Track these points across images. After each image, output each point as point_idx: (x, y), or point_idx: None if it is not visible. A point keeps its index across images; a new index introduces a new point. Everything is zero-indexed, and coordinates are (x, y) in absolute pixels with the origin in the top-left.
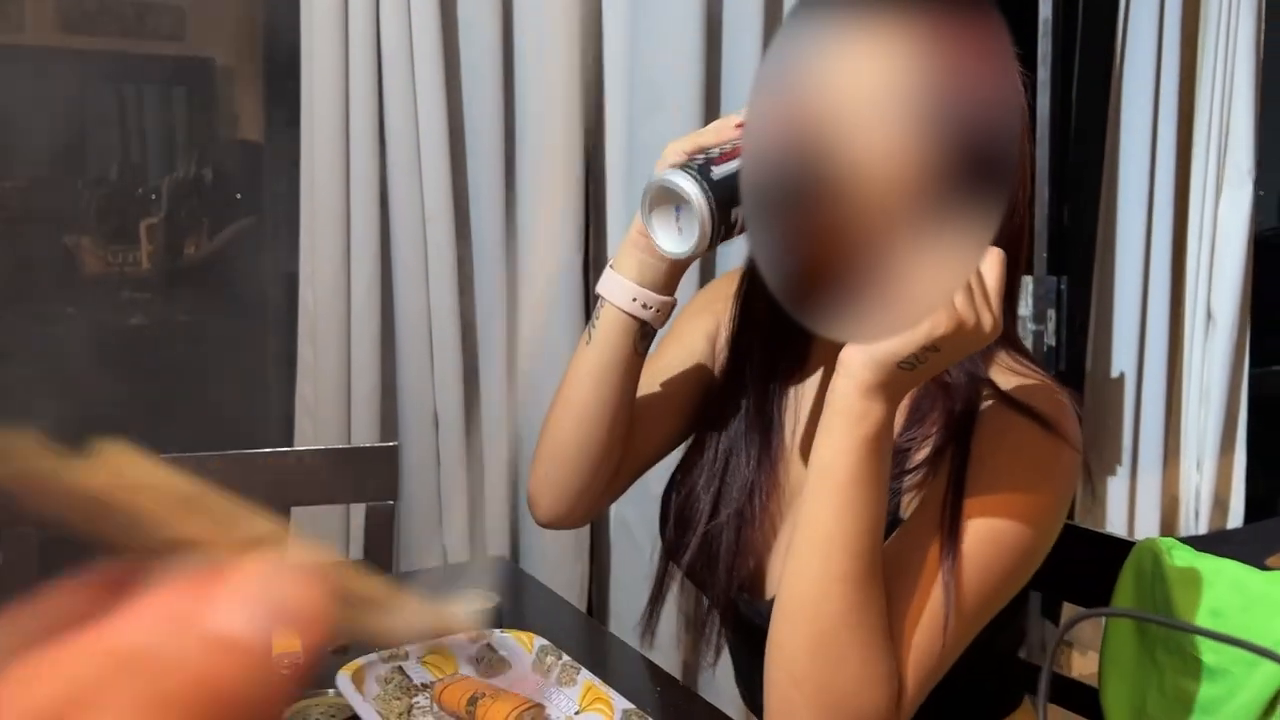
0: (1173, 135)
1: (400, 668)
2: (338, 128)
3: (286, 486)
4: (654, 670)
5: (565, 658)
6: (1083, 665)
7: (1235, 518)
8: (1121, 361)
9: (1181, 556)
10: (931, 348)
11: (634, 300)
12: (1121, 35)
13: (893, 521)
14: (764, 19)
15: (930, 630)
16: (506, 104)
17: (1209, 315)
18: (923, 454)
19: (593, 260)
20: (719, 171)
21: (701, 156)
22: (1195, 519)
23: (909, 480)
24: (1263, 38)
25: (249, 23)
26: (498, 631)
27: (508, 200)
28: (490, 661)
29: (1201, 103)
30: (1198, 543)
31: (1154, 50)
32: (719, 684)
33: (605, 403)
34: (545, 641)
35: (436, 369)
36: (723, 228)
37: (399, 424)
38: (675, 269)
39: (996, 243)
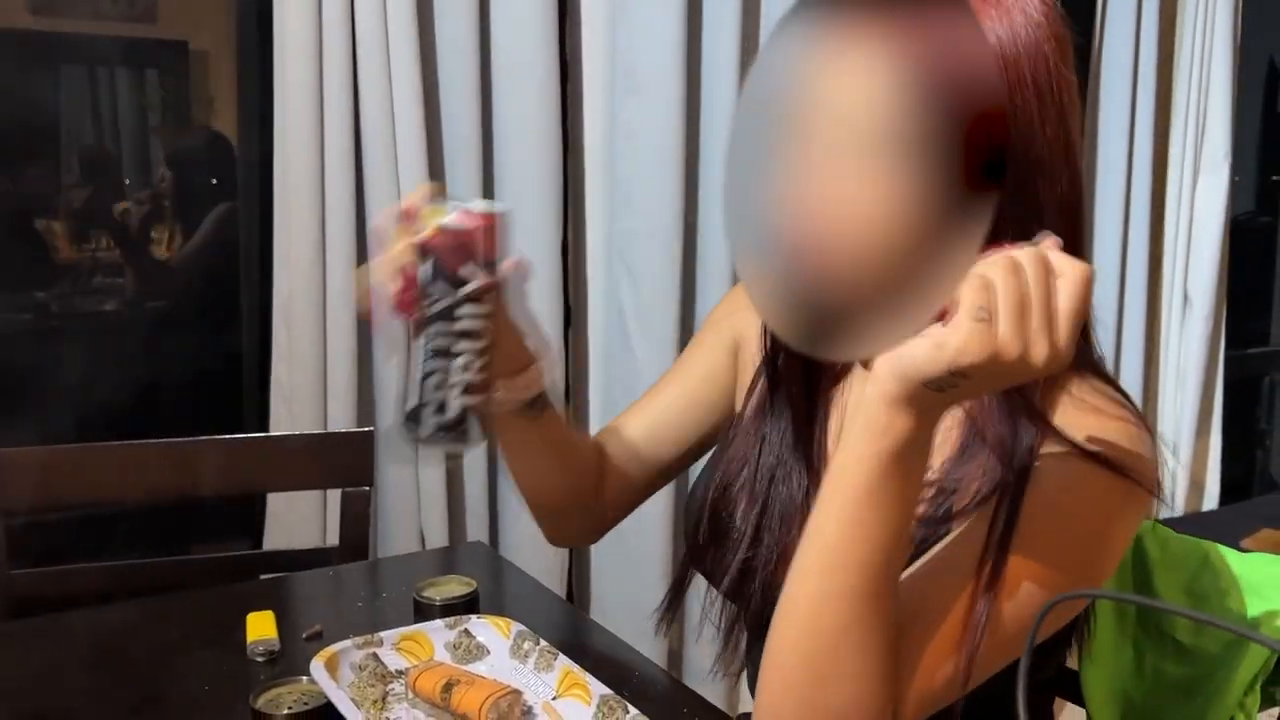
0: (1150, 120)
1: (375, 654)
2: (312, 110)
3: (262, 472)
4: (634, 656)
5: (543, 643)
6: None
7: (1211, 500)
8: (1099, 345)
9: (1160, 538)
10: (960, 374)
11: (509, 393)
12: (1100, 21)
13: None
14: (743, 1)
15: (941, 667)
16: (483, 85)
17: (1186, 299)
18: (967, 500)
19: (571, 243)
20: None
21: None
22: (1172, 501)
23: (953, 524)
24: (1240, 23)
25: (222, 5)
26: (474, 617)
27: (484, 183)
28: (467, 648)
29: (1179, 88)
30: (1174, 524)
31: (1132, 36)
32: (701, 670)
33: (540, 468)
34: (522, 627)
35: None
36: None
37: (376, 409)
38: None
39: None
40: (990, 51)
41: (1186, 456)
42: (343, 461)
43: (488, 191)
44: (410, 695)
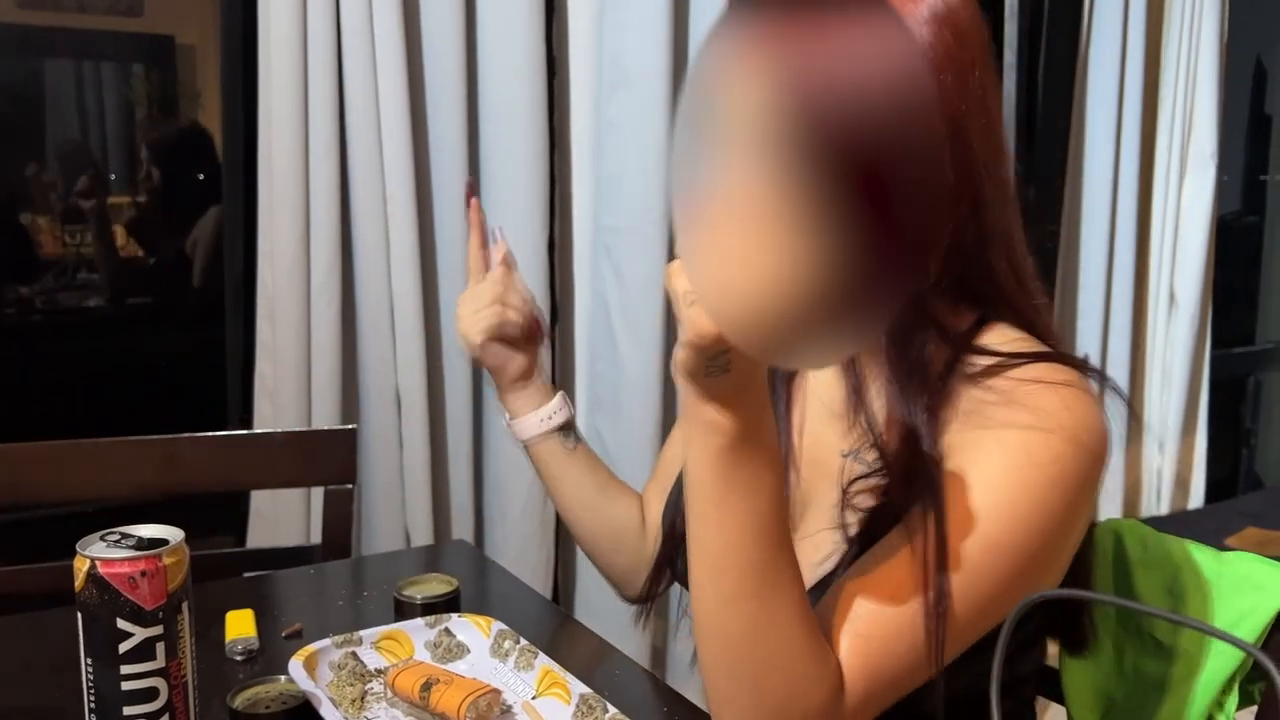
0: (1137, 119)
1: (354, 653)
2: (297, 105)
3: (245, 469)
4: (616, 655)
5: (523, 642)
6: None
7: (1196, 498)
8: (1086, 343)
9: (1141, 537)
10: (712, 353)
11: (542, 422)
12: (1087, 19)
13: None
14: None
15: (903, 645)
16: (469, 80)
17: (1172, 298)
18: (862, 469)
19: (558, 238)
20: None
21: None
22: (1157, 500)
23: (856, 489)
24: (1227, 23)
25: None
26: (454, 616)
27: (471, 176)
28: (447, 647)
29: (1166, 87)
30: (1159, 523)
31: (1119, 34)
32: (683, 669)
33: (587, 502)
34: (503, 626)
35: (399, 350)
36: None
37: (360, 406)
38: (536, 379)
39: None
40: (894, 63)
41: (1172, 455)
42: (326, 459)
43: (475, 188)
44: (389, 694)
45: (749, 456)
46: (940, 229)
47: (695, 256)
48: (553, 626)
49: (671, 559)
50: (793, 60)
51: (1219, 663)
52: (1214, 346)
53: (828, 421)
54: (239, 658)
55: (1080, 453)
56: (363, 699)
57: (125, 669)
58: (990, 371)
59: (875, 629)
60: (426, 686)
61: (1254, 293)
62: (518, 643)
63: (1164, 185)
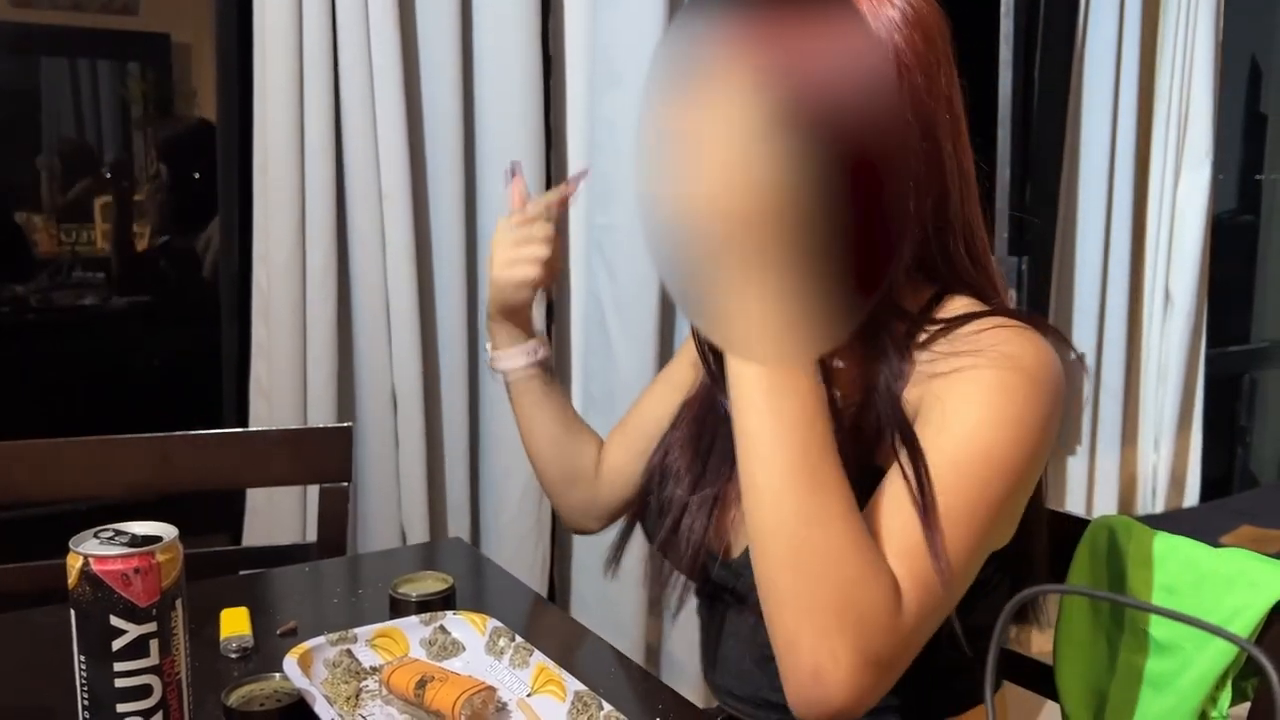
0: (1133, 117)
1: (349, 651)
2: (292, 103)
3: (240, 467)
4: (611, 652)
5: (518, 639)
6: (1040, 642)
7: (1191, 496)
8: (1081, 341)
9: (1135, 534)
10: None
11: (527, 355)
12: (1083, 16)
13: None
14: None
15: (919, 559)
16: (464, 79)
17: (1168, 296)
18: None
19: None
20: None
21: None
22: (1153, 497)
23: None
24: (1223, 20)
25: None
26: (450, 614)
27: (466, 177)
28: (443, 644)
29: (1161, 85)
30: (1154, 521)
31: (1115, 32)
32: (678, 666)
33: (551, 435)
34: (498, 623)
35: (394, 349)
36: None
37: (356, 404)
38: (526, 317)
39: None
40: (860, 59)
41: (1168, 453)
42: (321, 457)
43: (469, 184)
44: (384, 692)
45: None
46: (911, 219)
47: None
48: (548, 624)
49: (642, 518)
50: (772, 67)
51: (1213, 659)
52: (1209, 345)
53: None
54: (234, 655)
55: (1038, 376)
56: (357, 696)
57: (119, 666)
58: (946, 331)
59: (916, 546)
60: (421, 684)
61: (1249, 291)
62: (513, 640)
63: (1159, 183)
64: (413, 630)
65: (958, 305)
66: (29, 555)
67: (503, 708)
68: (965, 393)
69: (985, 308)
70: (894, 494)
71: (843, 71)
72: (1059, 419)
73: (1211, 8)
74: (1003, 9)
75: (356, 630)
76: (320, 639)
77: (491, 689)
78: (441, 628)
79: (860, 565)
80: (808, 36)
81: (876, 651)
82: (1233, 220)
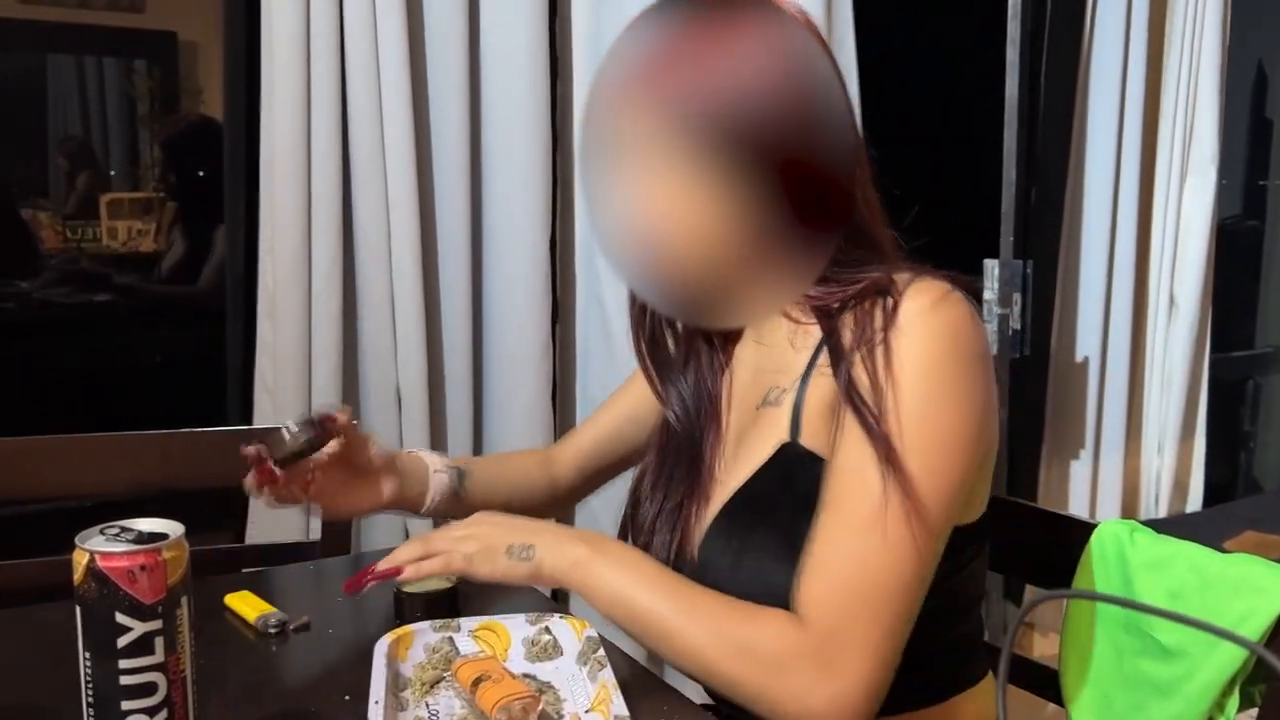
0: (1139, 121)
1: (450, 639)
2: (299, 102)
3: (243, 465)
4: (614, 653)
5: (600, 653)
6: (1044, 647)
7: (1195, 501)
8: (1085, 345)
9: (1142, 539)
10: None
11: (436, 500)
12: (1090, 20)
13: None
14: None
15: (864, 554)
16: (471, 80)
17: (1172, 301)
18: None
19: (559, 238)
20: None
21: None
22: (1156, 502)
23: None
24: (1229, 26)
25: None
26: (557, 616)
27: (472, 176)
28: (544, 645)
29: (1167, 89)
30: (1158, 526)
31: (1122, 36)
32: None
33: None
34: (593, 634)
35: (399, 348)
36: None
37: (361, 403)
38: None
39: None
40: (760, 62)
41: (1171, 458)
42: None
43: (475, 184)
44: (455, 683)
45: (594, 571)
46: (853, 181)
47: (646, 274)
48: None
49: (624, 537)
50: (701, 70)
51: (1220, 664)
52: (1213, 350)
53: (747, 388)
54: (273, 630)
55: (964, 347)
56: (437, 684)
57: (124, 663)
58: (868, 296)
59: (835, 561)
60: (477, 681)
61: (1253, 297)
62: (595, 652)
63: (1165, 188)
64: (518, 628)
65: (871, 270)
66: (31, 551)
67: (549, 718)
68: (909, 377)
69: (902, 272)
70: (850, 459)
71: (740, 76)
72: (991, 372)
73: (1218, 13)
74: (1009, 12)
75: (461, 620)
76: (425, 623)
77: (535, 698)
78: (546, 629)
79: (739, 629)
80: (719, 40)
81: (825, 661)
82: (1237, 226)
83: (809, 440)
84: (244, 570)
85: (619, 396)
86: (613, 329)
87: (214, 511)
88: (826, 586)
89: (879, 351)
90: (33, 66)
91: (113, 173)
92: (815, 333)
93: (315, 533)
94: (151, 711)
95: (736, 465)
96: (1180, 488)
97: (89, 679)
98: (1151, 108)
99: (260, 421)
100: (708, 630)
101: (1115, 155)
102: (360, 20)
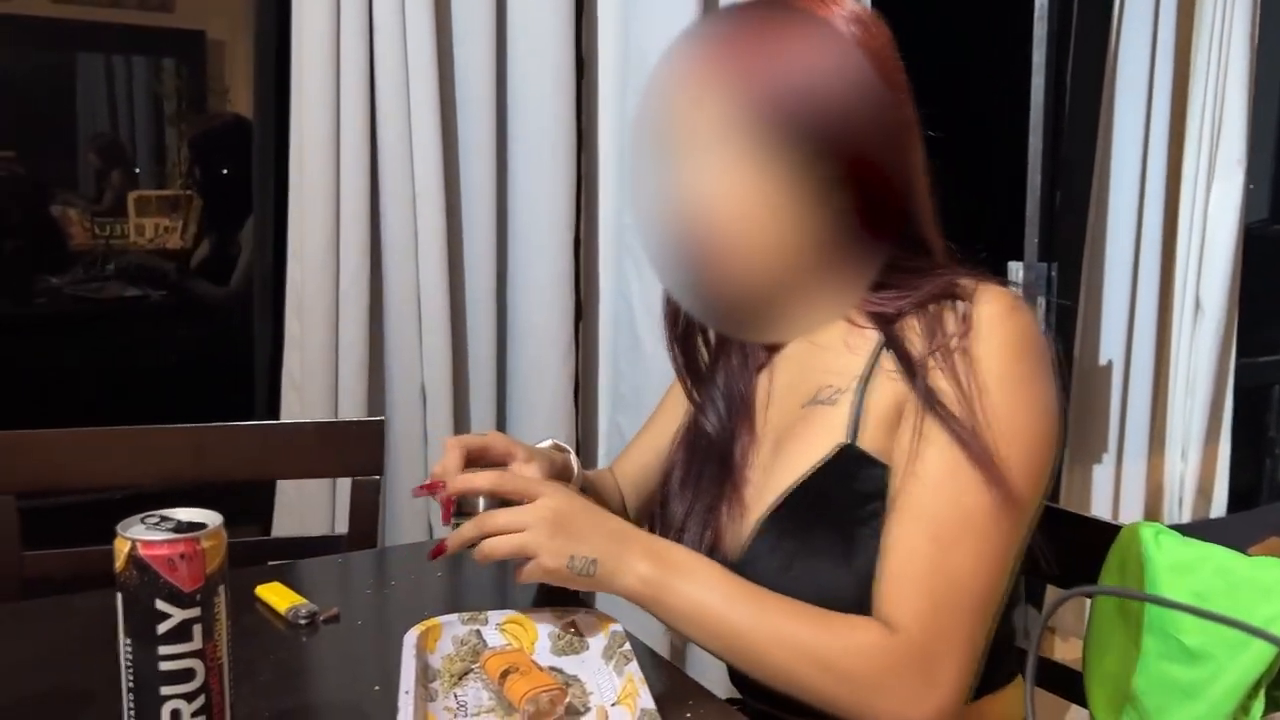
0: (1165, 124)
1: (478, 631)
2: (328, 101)
3: (272, 460)
4: (638, 646)
5: (626, 647)
6: (1064, 651)
7: (1218, 507)
8: (1109, 349)
9: (1167, 541)
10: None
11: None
12: (1117, 22)
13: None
14: None
15: (953, 562)
16: (498, 79)
17: (1198, 305)
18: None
19: (583, 236)
20: None
21: None
22: (1179, 507)
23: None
24: (1258, 29)
25: None
26: (583, 611)
27: (499, 175)
28: (569, 640)
29: (1195, 92)
30: (1181, 531)
31: (1149, 38)
32: (703, 662)
33: None
34: (619, 628)
35: (425, 344)
36: None
37: (386, 399)
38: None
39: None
40: (828, 61)
41: (1195, 463)
42: (355, 450)
43: (501, 184)
44: (484, 675)
45: (668, 591)
46: (914, 184)
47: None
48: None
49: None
50: (757, 70)
51: (1246, 667)
52: (1239, 354)
53: (791, 387)
54: (303, 621)
55: (1037, 352)
56: (464, 675)
57: (163, 649)
58: (945, 302)
59: (926, 573)
60: (505, 673)
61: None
62: (621, 647)
63: (1191, 192)
64: (544, 622)
65: (935, 276)
66: (63, 542)
67: (579, 712)
68: (994, 383)
69: (963, 278)
70: (936, 468)
71: (807, 74)
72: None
73: (1247, 15)
74: (1036, 13)
75: (489, 613)
76: (453, 616)
77: (562, 690)
78: (572, 623)
79: (821, 637)
80: (781, 42)
81: (916, 669)
82: (1264, 230)
83: (868, 443)
84: (271, 564)
85: (665, 412)
86: (639, 330)
87: (242, 504)
88: (919, 599)
89: (958, 359)
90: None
91: (137, 170)
92: (872, 336)
93: (342, 526)
94: (189, 697)
95: (781, 464)
96: (1204, 493)
97: (129, 664)
98: (1178, 110)
99: (287, 417)
100: (795, 648)
101: (1141, 158)
102: (389, 19)
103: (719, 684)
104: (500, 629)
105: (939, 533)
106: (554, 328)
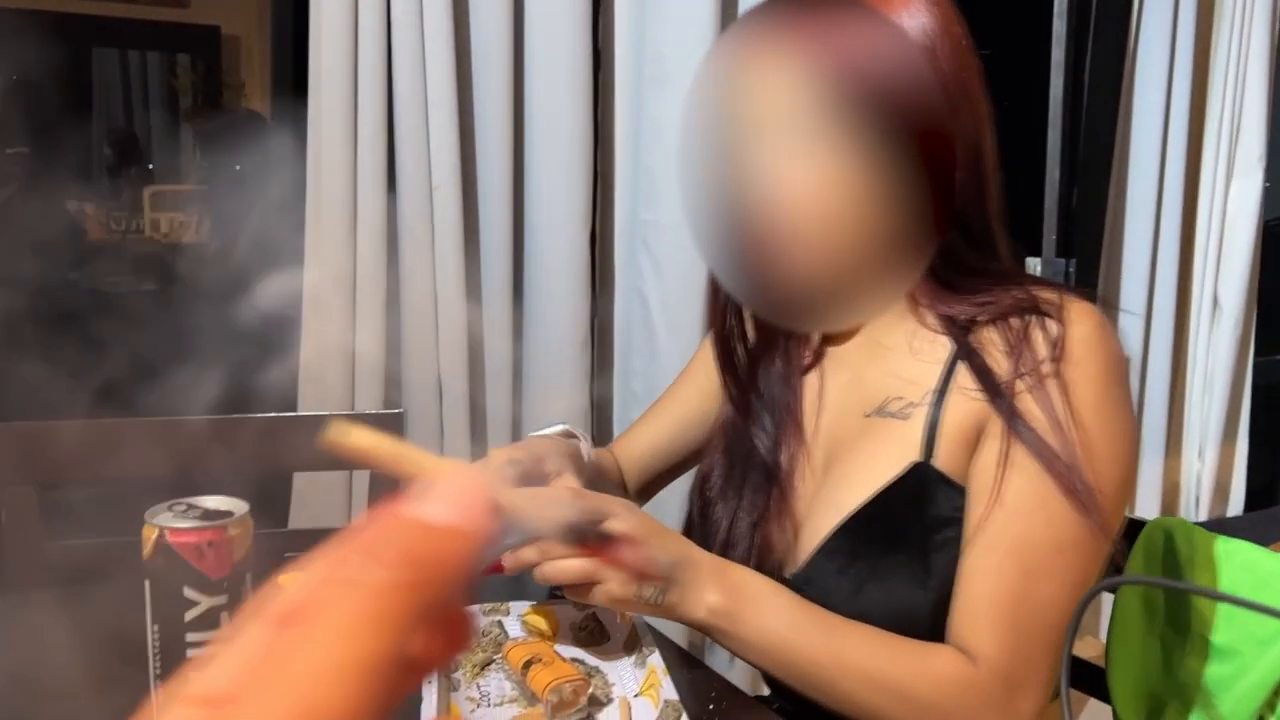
0: (1184, 121)
1: (500, 622)
2: (346, 96)
3: (290, 451)
4: (658, 640)
5: (648, 638)
6: (1080, 649)
7: (1236, 506)
8: (1126, 346)
9: (1193, 536)
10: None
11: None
12: (1136, 18)
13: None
14: None
15: (1040, 588)
16: (515, 73)
17: (1216, 302)
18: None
19: (599, 231)
20: None
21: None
22: (1196, 506)
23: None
24: (1278, 24)
25: None
26: None
27: (515, 169)
28: (591, 631)
29: (1214, 89)
30: None
31: (1168, 34)
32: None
33: None
34: (641, 620)
35: (441, 337)
36: None
37: (403, 391)
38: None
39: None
40: (904, 44)
41: (1212, 462)
42: None
43: (518, 179)
44: (506, 666)
45: (739, 620)
46: (984, 170)
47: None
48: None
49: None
50: (837, 50)
51: (1271, 664)
52: (1257, 353)
53: (848, 391)
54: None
55: (1125, 374)
56: (486, 666)
57: (191, 636)
58: (1028, 317)
59: (1011, 604)
60: (528, 664)
61: None
62: (643, 638)
63: (1210, 189)
64: (565, 614)
65: (1008, 283)
66: (80, 532)
67: (601, 703)
68: (1089, 412)
69: (1042, 289)
70: (1023, 498)
71: (884, 56)
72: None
73: (1267, 11)
74: (1055, 9)
75: (511, 604)
76: (474, 607)
77: (585, 681)
78: (594, 615)
79: (903, 669)
80: (859, 23)
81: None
82: None
83: (944, 463)
84: (287, 555)
85: (678, 396)
86: (655, 325)
87: (259, 496)
88: (1004, 629)
89: (1051, 385)
90: (79, 60)
91: (150, 166)
92: (943, 344)
93: (356, 519)
94: None
95: (842, 478)
96: (1221, 491)
97: (157, 651)
98: (1198, 107)
99: (303, 408)
100: (873, 678)
101: (1160, 154)
102: (407, 15)
103: (741, 678)
104: (522, 620)
105: (1027, 563)
106: (569, 322)
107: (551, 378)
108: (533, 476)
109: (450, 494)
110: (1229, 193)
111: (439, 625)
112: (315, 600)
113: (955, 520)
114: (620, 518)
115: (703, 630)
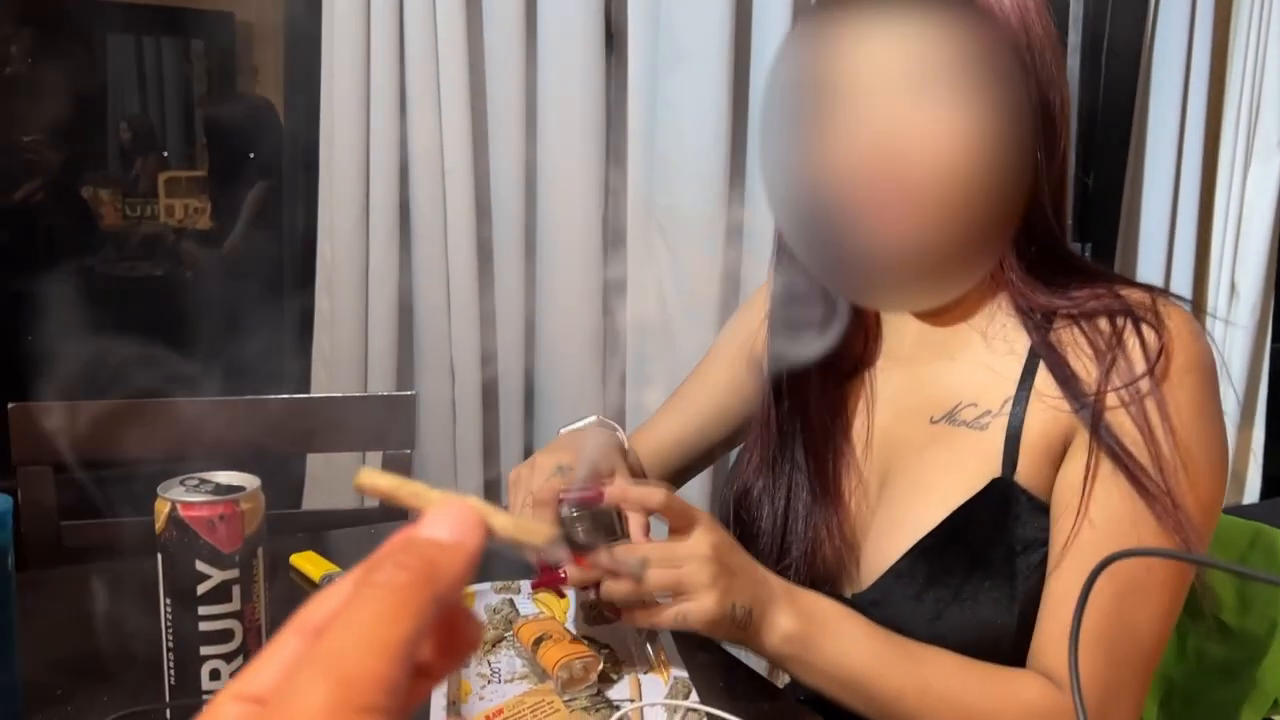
0: (1203, 106)
1: (511, 600)
2: (359, 79)
3: (305, 433)
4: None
5: None
6: None
7: (1252, 493)
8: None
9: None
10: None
11: None
12: (1154, 5)
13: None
14: None
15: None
16: (528, 56)
17: (1233, 289)
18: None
19: (611, 214)
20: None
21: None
22: None
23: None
24: None
25: None
26: None
27: (528, 153)
28: (600, 610)
29: (1233, 74)
30: None
31: (1187, 18)
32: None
33: None
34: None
35: (453, 321)
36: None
37: (415, 373)
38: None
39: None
40: (1024, 5)
41: (1229, 448)
42: (386, 424)
43: (530, 161)
44: (517, 643)
45: (816, 646)
46: (1068, 153)
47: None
48: None
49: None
50: (955, 11)
51: None
52: (1274, 340)
53: (908, 392)
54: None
55: (1217, 382)
56: (497, 644)
57: (203, 610)
58: (1118, 320)
59: (1101, 629)
60: (538, 641)
61: None
62: None
63: (1228, 175)
64: (574, 592)
65: (1087, 277)
66: (98, 511)
67: (610, 679)
68: (1188, 430)
69: (1130, 289)
70: (1115, 519)
71: (1012, 14)
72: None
73: None
74: (1071, 17)
75: (521, 582)
76: (485, 585)
77: (595, 657)
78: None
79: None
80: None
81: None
82: None
83: (1026, 478)
84: (300, 535)
85: (700, 387)
86: (669, 308)
87: (273, 476)
88: (1096, 655)
89: (1150, 400)
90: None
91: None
92: (1019, 341)
93: (371, 500)
94: (228, 657)
95: (910, 491)
96: (1237, 479)
97: (169, 624)
98: (1216, 91)
99: (317, 392)
100: (959, 709)
101: (1178, 139)
102: (419, 1)
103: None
104: (533, 598)
105: (1120, 587)
106: (582, 305)
107: (563, 361)
108: (596, 476)
109: (450, 517)
110: (1247, 178)
111: (446, 632)
112: (350, 600)
113: (1041, 541)
114: (707, 529)
115: (775, 659)
